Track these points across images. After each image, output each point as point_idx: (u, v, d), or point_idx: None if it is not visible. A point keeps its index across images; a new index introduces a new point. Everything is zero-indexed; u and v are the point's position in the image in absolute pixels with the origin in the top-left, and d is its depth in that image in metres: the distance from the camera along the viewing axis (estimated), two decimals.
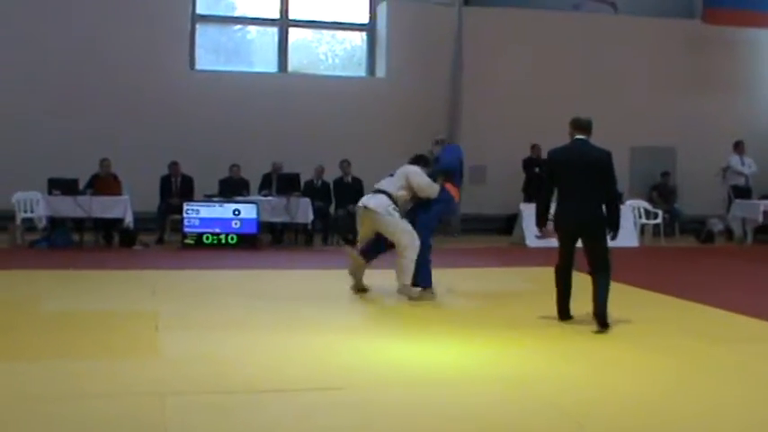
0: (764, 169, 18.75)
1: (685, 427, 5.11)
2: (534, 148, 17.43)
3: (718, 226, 17.75)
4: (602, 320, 7.77)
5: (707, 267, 13.56)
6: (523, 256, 14.27)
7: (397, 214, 9.72)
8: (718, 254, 15.80)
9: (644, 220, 16.87)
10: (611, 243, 8.12)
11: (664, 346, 7.24)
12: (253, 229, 14.65)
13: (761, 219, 16.76)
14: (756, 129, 18.88)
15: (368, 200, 9.95)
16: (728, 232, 17.61)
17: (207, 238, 14.41)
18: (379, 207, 9.69)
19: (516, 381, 6.05)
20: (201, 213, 14.47)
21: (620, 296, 9.49)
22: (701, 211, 18.26)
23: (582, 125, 8.24)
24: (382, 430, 4.94)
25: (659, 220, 16.92)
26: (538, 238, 8.85)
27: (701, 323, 8.50)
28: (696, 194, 18.88)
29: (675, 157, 19.31)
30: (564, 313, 8.16)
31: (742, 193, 17.94)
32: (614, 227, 8.09)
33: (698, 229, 17.72)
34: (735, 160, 18.26)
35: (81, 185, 14.57)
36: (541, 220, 8.32)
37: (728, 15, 19.01)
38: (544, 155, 16.95)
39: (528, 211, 16.05)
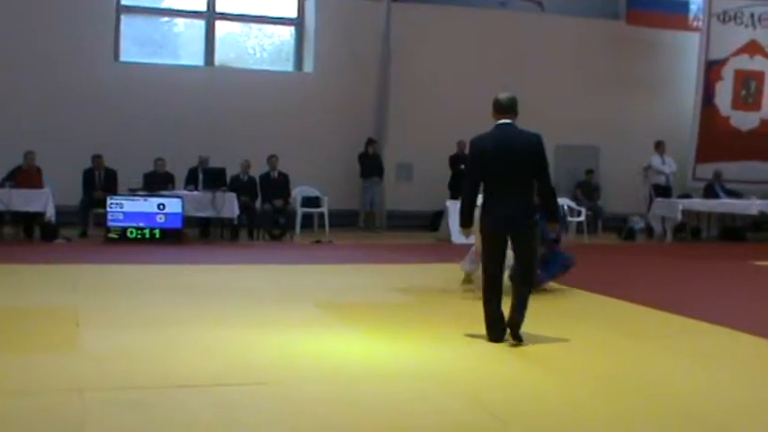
0: (684, 169, 19.20)
1: (609, 423, 5.19)
2: (461, 144, 17.54)
3: (639, 224, 18.10)
4: (517, 333, 7.01)
5: (628, 264, 13.80)
6: (449, 252, 14.36)
7: None
8: (638, 251, 16.12)
9: (568, 218, 17.10)
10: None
11: (589, 343, 7.34)
12: (178, 224, 14.52)
13: (680, 217, 17.15)
14: (676, 129, 19.24)
15: None
16: (649, 230, 17.98)
17: (131, 233, 14.24)
18: None
19: (440, 377, 6.07)
20: (125, 207, 14.29)
21: (546, 293, 9.66)
22: (623, 208, 18.62)
23: (503, 106, 7.18)
24: (301, 425, 4.93)
25: (582, 218, 17.19)
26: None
27: (625, 319, 8.64)
28: (618, 193, 19.22)
29: (599, 155, 19.62)
30: (498, 331, 7.10)
31: (662, 191, 18.35)
32: (553, 218, 7.48)
33: (619, 226, 18.06)
34: (656, 160, 18.66)
35: (0, 178, 14.29)
36: (467, 219, 7.23)
37: (651, 17, 19.44)
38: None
39: (454, 208, 16.23)
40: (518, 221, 7.03)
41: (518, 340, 6.99)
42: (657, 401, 5.57)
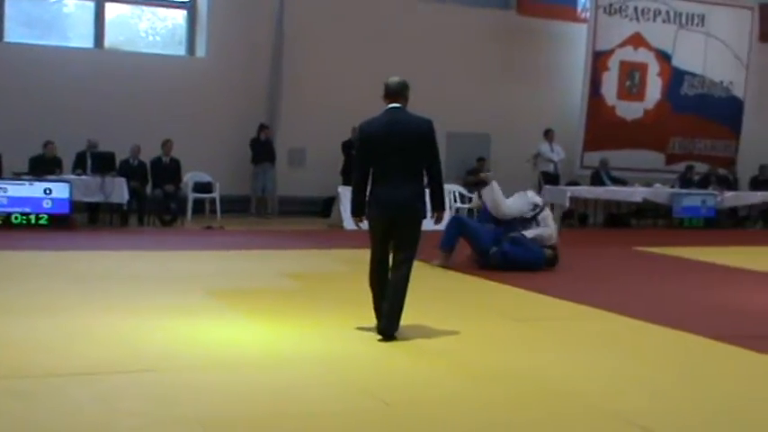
0: (572, 157, 19.67)
1: (490, 404, 5.35)
2: (354, 130, 17.60)
3: None
4: (392, 327, 6.82)
5: None
6: (342, 238, 14.46)
7: None
8: None
9: (458, 204, 17.38)
10: (434, 226, 7.50)
11: (471, 327, 7.49)
12: (65, 209, 14.24)
13: (567, 204, 17.58)
14: (565, 118, 19.68)
15: None
16: None
17: (15, 219, 13.91)
18: None
19: (327, 363, 6.14)
20: (9, 192, 13.95)
21: (432, 279, 9.83)
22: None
23: (393, 90, 7.06)
24: (186, 413, 4.94)
25: (473, 204, 17.45)
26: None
27: (507, 304, 8.87)
28: (509, 180, 19.31)
29: (490, 143, 19.93)
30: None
31: (551, 179, 18.78)
32: (440, 207, 7.15)
33: None
34: (545, 147, 19.08)
35: None
36: (357, 208, 7.08)
37: (540, 8, 19.82)
38: None
39: (346, 194, 16.31)
40: (404, 209, 6.89)
41: (388, 337, 6.78)
42: (541, 386, 5.76)
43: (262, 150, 17.53)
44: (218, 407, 5.08)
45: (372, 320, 7.06)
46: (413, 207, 6.92)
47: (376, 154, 6.94)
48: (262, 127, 17.56)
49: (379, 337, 6.83)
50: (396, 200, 6.87)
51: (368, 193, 7.06)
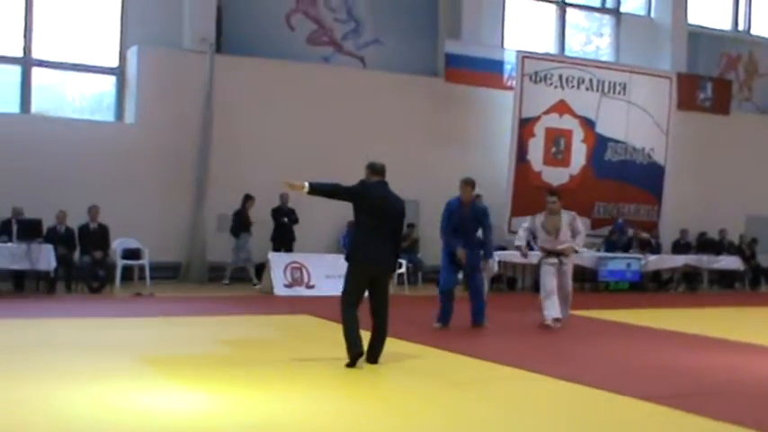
0: (500, 222, 19.88)
1: None
2: (283, 197, 17.67)
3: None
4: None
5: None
6: (273, 304, 14.42)
7: None
8: (457, 302, 16.52)
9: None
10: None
11: (405, 389, 7.55)
12: None
13: (496, 268, 17.74)
14: (492, 183, 19.88)
15: None
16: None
17: None
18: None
19: (266, 429, 6.11)
20: None
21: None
22: (441, 260, 19.02)
23: (380, 169, 8.76)
24: None
25: (403, 270, 17.53)
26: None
27: (442, 367, 8.90)
28: (437, 245, 19.58)
29: (419, 209, 20.06)
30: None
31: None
32: (396, 265, 9.07)
33: (436, 278, 18.44)
34: None
35: None
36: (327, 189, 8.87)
37: (467, 75, 20.21)
38: (292, 204, 17.36)
39: (276, 260, 16.29)
40: (387, 264, 8.65)
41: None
42: None
43: (243, 221, 17.59)
44: None
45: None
46: (390, 262, 8.72)
47: (369, 209, 8.52)
48: (247, 198, 17.50)
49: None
50: (379, 255, 8.48)
51: (354, 244, 8.70)
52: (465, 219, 11.72)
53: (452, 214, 11.82)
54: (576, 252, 12.38)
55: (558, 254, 12.08)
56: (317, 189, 8.58)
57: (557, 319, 11.94)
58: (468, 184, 11.81)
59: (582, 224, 12.50)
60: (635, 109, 21.75)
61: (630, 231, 20.81)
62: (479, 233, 12.06)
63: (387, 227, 8.57)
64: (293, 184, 8.49)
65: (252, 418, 6.40)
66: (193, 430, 6.05)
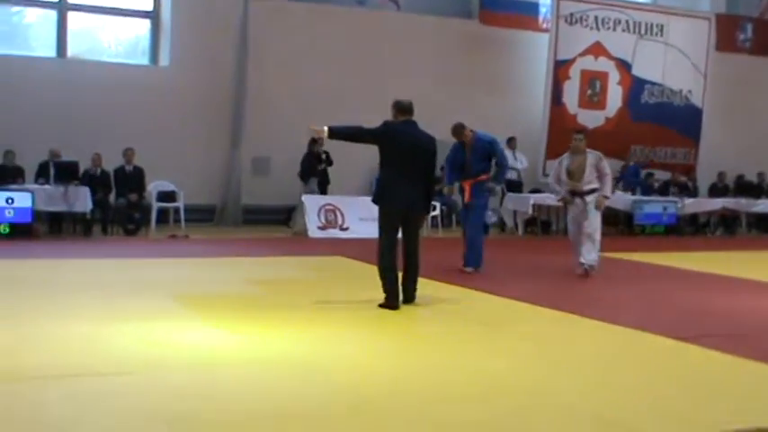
0: (535, 165, 19.83)
1: (466, 400, 5.40)
2: (318, 140, 17.64)
3: (491, 218, 18.55)
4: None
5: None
6: (306, 245, 14.52)
7: None
8: (491, 245, 16.50)
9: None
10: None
11: (437, 330, 7.60)
12: (27, 219, 14.17)
13: (531, 211, 17.74)
14: (527, 126, 19.84)
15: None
16: (501, 224, 18.51)
17: None
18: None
19: (298, 363, 6.16)
20: None
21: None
22: None
23: (407, 107, 8.50)
24: (159, 412, 4.92)
25: (437, 212, 17.54)
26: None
27: (479, 309, 8.92)
28: None
29: None
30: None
31: (514, 186, 18.91)
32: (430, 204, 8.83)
33: None
34: (508, 156, 19.16)
35: None
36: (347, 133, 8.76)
37: (502, 18, 20.02)
38: (326, 147, 17.36)
39: (309, 203, 16.35)
40: (418, 204, 8.46)
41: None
42: (514, 384, 5.85)
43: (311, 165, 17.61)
44: (191, 406, 5.06)
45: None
46: (422, 203, 8.55)
47: (399, 154, 8.31)
48: (313, 141, 17.35)
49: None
50: (411, 196, 8.34)
51: (382, 186, 8.50)
52: (467, 159, 11.53)
53: (456, 154, 11.66)
54: (607, 198, 11.51)
55: (582, 194, 11.40)
56: (337, 133, 8.47)
57: (584, 265, 11.33)
58: (455, 131, 11.59)
59: (608, 167, 11.66)
60: (672, 50, 21.42)
61: (642, 174, 20.59)
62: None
63: (417, 167, 8.37)
64: (315, 129, 8.44)
65: (272, 353, 6.48)
66: (212, 363, 6.15)
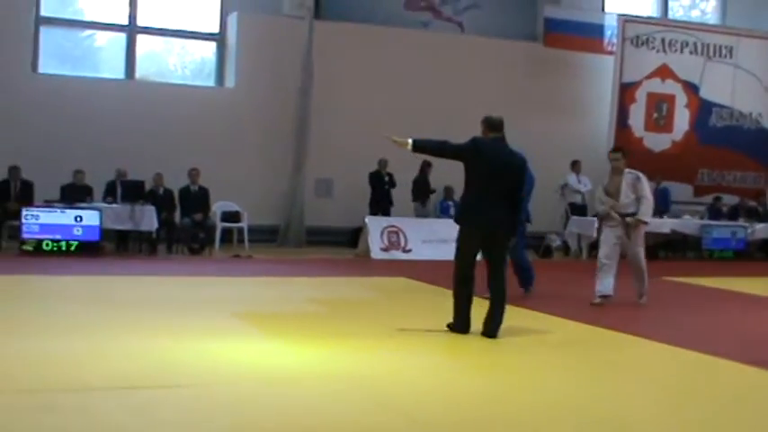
0: (598, 188, 19.54)
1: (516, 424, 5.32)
2: (381, 162, 17.69)
3: (556, 241, 18.43)
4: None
5: (546, 279, 13.99)
6: (369, 267, 14.49)
7: None
8: (556, 267, 16.38)
9: None
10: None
11: (502, 349, 7.52)
12: (95, 237, 14.35)
13: (594, 234, 17.44)
14: (592, 149, 19.60)
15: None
16: (565, 247, 18.32)
17: (47, 245, 14.02)
18: None
19: (353, 380, 6.15)
20: (41, 219, 14.06)
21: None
22: (540, 226, 18.79)
23: (498, 124, 8.19)
24: (221, 424, 4.95)
25: None
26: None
27: (536, 327, 8.82)
28: (536, 211, 19.26)
29: None
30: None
31: (578, 209, 18.71)
32: (516, 226, 8.21)
33: (536, 244, 18.33)
34: (572, 178, 19.04)
35: None
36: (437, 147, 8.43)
37: (567, 40, 19.89)
38: (390, 169, 17.38)
39: (373, 224, 16.37)
40: (501, 224, 7.87)
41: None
42: (574, 406, 5.74)
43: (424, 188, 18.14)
44: (250, 419, 5.09)
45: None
46: (508, 225, 7.94)
47: (486, 172, 7.86)
48: (426, 164, 17.68)
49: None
50: (496, 217, 7.82)
51: (465, 205, 8.08)
52: None
53: None
54: (645, 223, 10.77)
55: (622, 216, 10.68)
56: (421, 146, 8.13)
57: (605, 296, 10.62)
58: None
59: (649, 188, 10.85)
60: (742, 73, 21.08)
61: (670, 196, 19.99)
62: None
63: (504, 187, 7.87)
64: (398, 141, 7.98)
65: (331, 370, 6.48)
66: (271, 377, 6.16)
